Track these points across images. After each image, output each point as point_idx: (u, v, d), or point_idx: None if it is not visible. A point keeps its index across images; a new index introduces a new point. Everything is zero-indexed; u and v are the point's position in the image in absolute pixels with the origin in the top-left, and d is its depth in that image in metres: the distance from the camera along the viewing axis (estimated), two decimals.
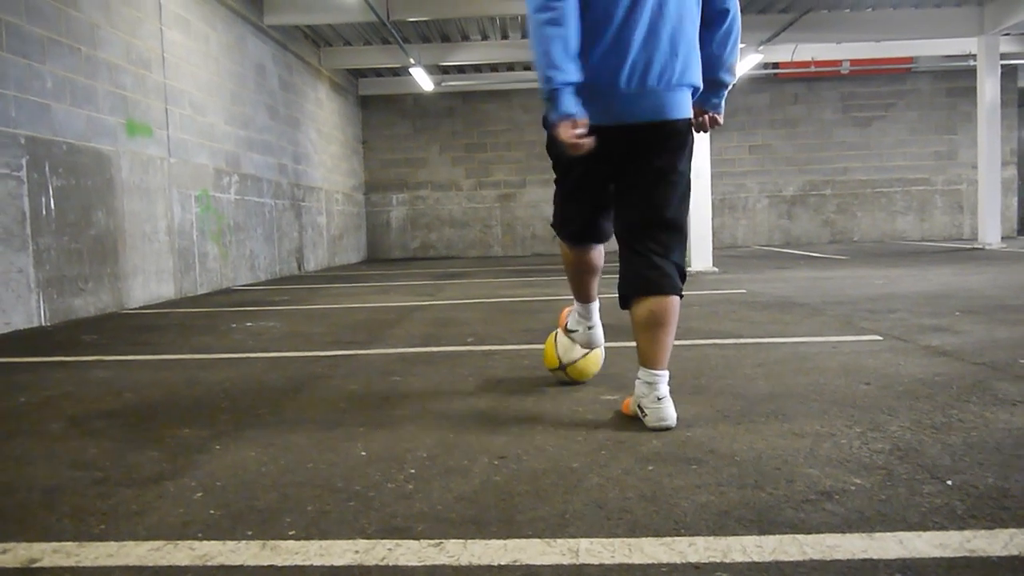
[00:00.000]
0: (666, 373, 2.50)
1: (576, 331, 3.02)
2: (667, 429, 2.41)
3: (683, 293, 2.55)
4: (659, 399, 2.44)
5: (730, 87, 2.68)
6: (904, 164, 16.49)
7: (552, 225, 2.91)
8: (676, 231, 2.54)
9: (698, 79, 2.52)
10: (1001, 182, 13.06)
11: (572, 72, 2.30)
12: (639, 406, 2.49)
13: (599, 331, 3.03)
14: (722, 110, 2.71)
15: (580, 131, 2.31)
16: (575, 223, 2.78)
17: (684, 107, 2.49)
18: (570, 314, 3.08)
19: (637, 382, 2.50)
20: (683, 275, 2.56)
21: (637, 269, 2.52)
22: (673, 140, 2.49)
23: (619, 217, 2.62)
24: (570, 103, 2.30)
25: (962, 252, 11.52)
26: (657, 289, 2.48)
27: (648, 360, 2.49)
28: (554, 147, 2.51)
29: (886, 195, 16.55)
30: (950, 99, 16.32)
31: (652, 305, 2.48)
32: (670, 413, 2.44)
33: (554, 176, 2.75)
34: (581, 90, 2.35)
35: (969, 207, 16.28)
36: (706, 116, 2.70)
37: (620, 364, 3.51)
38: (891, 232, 16.59)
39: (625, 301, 2.56)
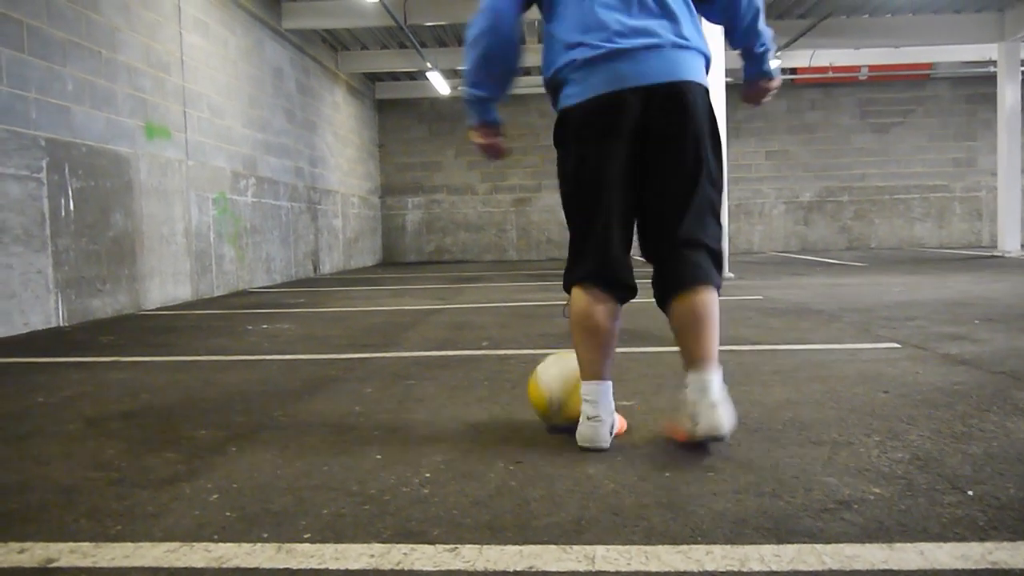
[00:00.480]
0: (718, 373, 2.25)
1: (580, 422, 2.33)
2: (719, 439, 2.20)
3: (720, 284, 2.35)
4: (713, 405, 2.18)
5: (770, 52, 2.45)
6: (922, 171, 16.39)
7: (565, 277, 2.41)
8: (711, 214, 2.31)
9: (702, 44, 2.30)
10: (1021, 189, 12.93)
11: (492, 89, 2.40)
12: (690, 415, 2.20)
13: (604, 428, 2.28)
14: (773, 74, 2.50)
15: (494, 137, 2.47)
16: (594, 253, 2.32)
17: (698, 70, 2.27)
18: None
19: (686, 391, 2.24)
20: (719, 263, 2.36)
21: (670, 264, 2.31)
22: (698, 114, 2.24)
23: (644, 205, 2.33)
24: (485, 112, 2.44)
25: (981, 260, 11.42)
26: (691, 281, 2.26)
27: (694, 361, 2.26)
28: (567, 156, 2.34)
29: (904, 202, 16.45)
30: (969, 105, 16.21)
31: (689, 300, 2.26)
32: (722, 421, 2.16)
33: (564, 207, 2.41)
34: (577, 65, 2.23)
35: (988, 214, 16.16)
36: (760, 84, 2.51)
37: (635, 370, 3.49)
38: (909, 239, 16.49)
39: (662, 301, 2.35)
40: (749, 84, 2.55)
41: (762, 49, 2.44)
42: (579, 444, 2.29)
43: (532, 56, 13.26)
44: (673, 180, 2.27)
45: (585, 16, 2.25)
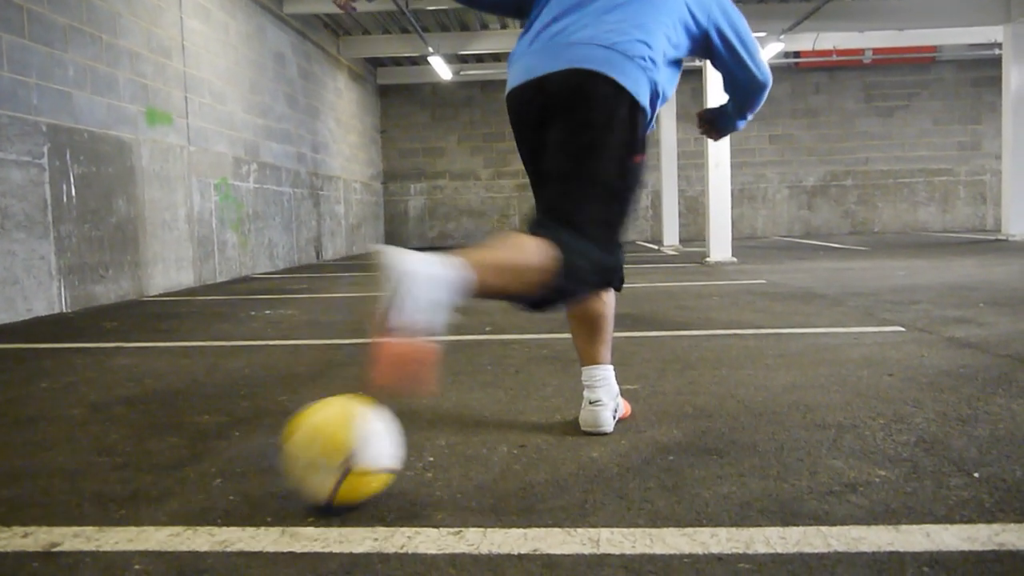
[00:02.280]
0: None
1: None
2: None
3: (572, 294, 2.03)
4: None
5: (738, 129, 2.53)
6: (927, 154, 16.32)
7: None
8: (602, 220, 2.05)
9: (632, 48, 2.06)
10: None
11: None
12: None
13: (607, 411, 2.28)
14: (724, 132, 2.56)
15: None
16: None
17: (606, 63, 2.04)
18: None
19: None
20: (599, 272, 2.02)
21: None
22: (591, 100, 2.04)
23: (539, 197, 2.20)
24: None
25: (985, 243, 11.39)
26: None
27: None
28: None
29: (908, 186, 16.40)
30: (975, 88, 16.13)
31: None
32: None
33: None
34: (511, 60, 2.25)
35: (993, 198, 16.10)
36: (708, 125, 2.57)
37: (640, 355, 3.49)
38: (913, 223, 16.44)
39: None
40: (711, 121, 2.56)
41: (741, 120, 2.47)
42: (582, 429, 2.29)
43: None
44: (553, 162, 2.12)
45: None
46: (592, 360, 2.30)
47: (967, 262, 8.16)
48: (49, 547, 1.58)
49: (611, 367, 2.32)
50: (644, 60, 2.06)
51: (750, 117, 2.47)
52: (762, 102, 2.40)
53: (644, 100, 2.07)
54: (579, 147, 2.05)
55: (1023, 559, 1.41)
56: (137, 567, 1.48)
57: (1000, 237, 12.30)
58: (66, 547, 1.58)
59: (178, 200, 7.52)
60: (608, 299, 2.29)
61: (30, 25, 5.47)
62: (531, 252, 1.85)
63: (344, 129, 13.68)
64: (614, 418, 2.30)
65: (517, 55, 2.24)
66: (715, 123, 2.56)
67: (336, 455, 1.66)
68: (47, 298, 5.56)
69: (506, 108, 2.29)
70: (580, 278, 1.94)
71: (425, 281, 1.72)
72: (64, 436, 2.43)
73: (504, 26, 13.07)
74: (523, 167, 2.33)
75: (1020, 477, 1.82)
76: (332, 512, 1.69)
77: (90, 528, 1.67)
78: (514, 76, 2.22)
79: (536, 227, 1.96)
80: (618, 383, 2.36)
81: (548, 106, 2.12)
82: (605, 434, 2.26)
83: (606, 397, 2.28)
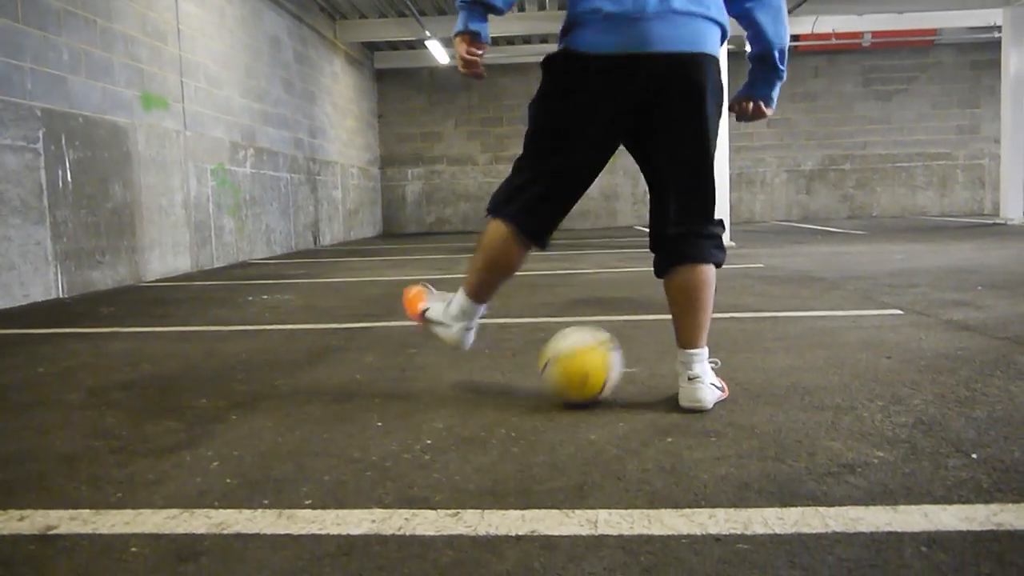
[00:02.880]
0: (702, 352, 2.31)
1: (447, 326, 2.50)
2: (697, 411, 2.26)
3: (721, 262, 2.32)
4: (689, 379, 2.28)
5: (782, 77, 2.38)
6: (925, 138, 16.28)
7: (494, 198, 2.42)
8: (710, 189, 2.28)
9: (725, 19, 2.22)
10: None
11: None
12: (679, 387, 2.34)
13: (472, 336, 2.55)
14: (773, 102, 2.41)
15: (476, 51, 2.28)
16: (529, 199, 2.33)
17: (714, 40, 2.19)
18: (433, 300, 2.60)
19: (677, 364, 2.36)
20: (720, 239, 2.32)
21: (671, 235, 2.28)
22: (707, 78, 2.17)
23: (650, 181, 2.34)
24: (477, 19, 2.28)
25: (983, 227, 11.38)
26: (690, 259, 2.27)
27: (680, 339, 2.33)
28: (543, 101, 2.32)
29: (906, 170, 16.36)
30: (974, 72, 16.07)
31: (684, 277, 2.28)
32: (702, 395, 2.26)
33: (525, 138, 2.38)
34: (588, 14, 2.16)
35: (991, 182, 16.07)
36: (751, 104, 2.42)
37: (639, 338, 3.49)
38: (911, 207, 16.42)
39: (661, 273, 2.35)
40: (747, 98, 2.43)
41: (778, 63, 2.34)
42: (448, 345, 2.53)
43: (533, 24, 13.13)
44: (677, 157, 2.24)
45: None
46: (479, 298, 2.47)
47: (965, 246, 8.15)
48: (45, 530, 1.58)
49: (484, 306, 2.52)
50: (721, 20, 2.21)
51: (784, 61, 2.34)
52: (787, 27, 2.33)
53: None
54: (701, 143, 2.22)
55: (1021, 539, 1.41)
56: (134, 549, 1.48)
57: (998, 221, 12.29)
58: (62, 530, 1.58)
59: (175, 185, 7.49)
60: (525, 258, 2.45)
61: (23, 9, 5.43)
62: (710, 292, 2.31)
63: (341, 114, 13.63)
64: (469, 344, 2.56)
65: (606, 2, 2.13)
66: (754, 93, 2.41)
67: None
68: (44, 284, 5.55)
69: (564, 68, 2.25)
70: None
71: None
72: (61, 420, 2.43)
73: None
74: (535, 117, 2.34)
75: (1018, 458, 1.82)
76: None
77: (87, 511, 1.67)
78: (611, 39, 2.14)
79: (694, 246, 2.27)
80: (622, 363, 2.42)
81: (659, 92, 2.17)
82: (458, 351, 2.53)
83: (703, 372, 2.31)
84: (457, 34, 2.29)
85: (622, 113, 2.23)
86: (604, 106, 2.21)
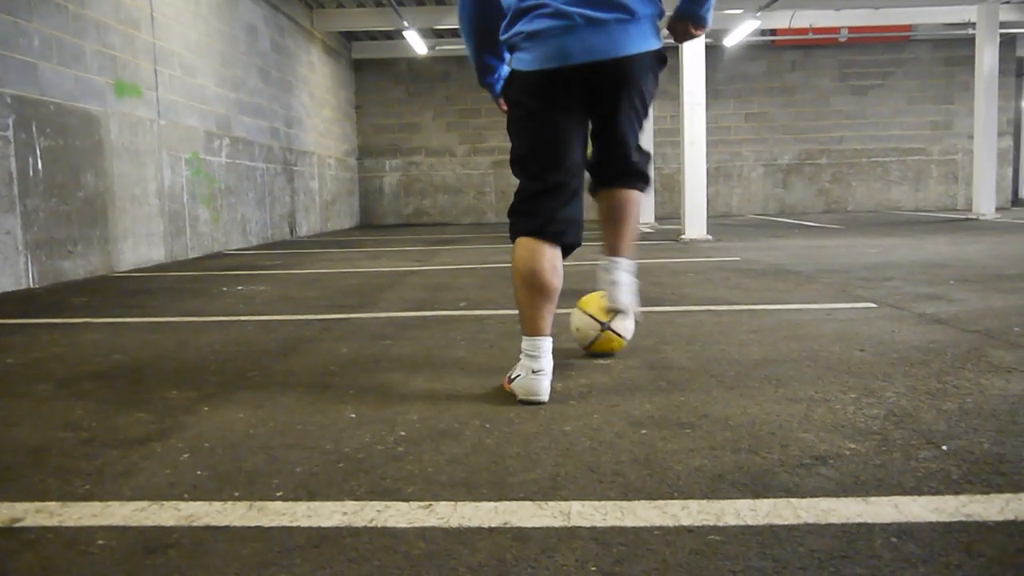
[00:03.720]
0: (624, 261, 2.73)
1: (517, 375, 2.38)
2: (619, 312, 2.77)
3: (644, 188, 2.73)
4: (614, 284, 2.76)
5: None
6: (900, 133, 16.42)
7: (513, 223, 2.47)
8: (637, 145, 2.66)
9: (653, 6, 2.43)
10: (997, 152, 12.98)
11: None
12: (606, 295, 2.81)
13: (547, 380, 2.35)
14: (705, 22, 2.56)
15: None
16: (546, 210, 2.42)
17: (648, 39, 2.42)
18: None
19: (601, 271, 2.79)
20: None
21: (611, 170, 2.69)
22: (639, 74, 2.44)
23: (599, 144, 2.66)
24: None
25: (956, 222, 11.51)
26: (626, 183, 2.69)
27: (613, 248, 2.74)
28: (516, 118, 2.53)
29: (882, 165, 16.50)
30: (948, 68, 16.22)
31: (619, 195, 2.70)
32: (624, 300, 2.75)
33: (515, 158, 2.56)
34: (524, 36, 2.38)
35: (964, 177, 16.24)
36: (684, 24, 2.56)
37: None
38: (886, 202, 16.56)
39: (594, 190, 2.74)
40: (677, 20, 2.57)
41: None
42: (519, 397, 2.35)
43: None
44: (620, 129, 2.56)
45: None
46: (536, 331, 2.40)
47: (939, 240, 8.23)
48: (10, 522, 1.56)
49: (551, 339, 2.43)
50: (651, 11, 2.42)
51: None
52: None
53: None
54: (640, 112, 2.55)
55: (989, 529, 1.42)
56: (101, 542, 1.46)
57: (971, 216, 12.42)
58: (28, 522, 1.55)
59: (148, 175, 7.40)
60: (561, 271, 2.47)
61: None
62: (637, 212, 2.77)
63: (318, 104, 13.53)
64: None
65: (531, 21, 2.36)
66: (687, 12, 2.54)
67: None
68: (14, 274, 5.46)
69: (520, 78, 2.46)
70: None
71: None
72: (29, 412, 2.39)
73: None
74: (518, 138, 2.55)
75: (987, 449, 1.83)
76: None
77: (53, 503, 1.64)
78: (541, 53, 2.36)
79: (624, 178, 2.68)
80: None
81: (599, 89, 2.43)
82: (542, 403, 2.32)
83: (548, 367, 2.39)
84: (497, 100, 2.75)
85: (574, 111, 2.48)
86: (559, 112, 2.44)
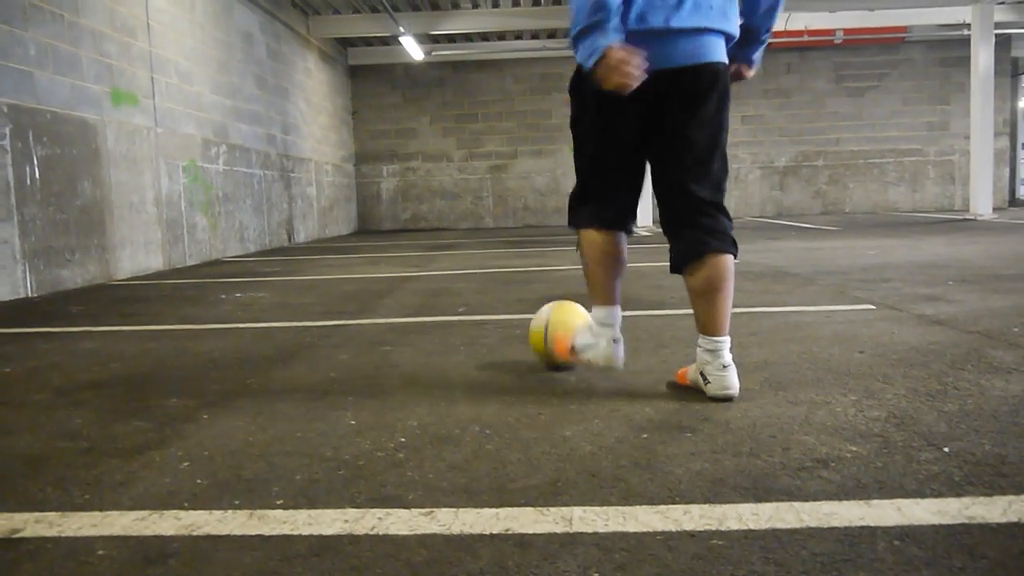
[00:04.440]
0: (728, 339, 2.40)
1: (594, 344, 2.52)
2: (729, 399, 2.33)
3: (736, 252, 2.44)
4: (724, 367, 2.35)
5: (765, 44, 2.59)
6: (896, 135, 16.44)
7: (571, 209, 2.57)
8: (720, 188, 2.45)
9: (733, 27, 2.39)
10: (993, 153, 13.00)
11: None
12: (702, 374, 2.38)
13: (621, 349, 2.53)
14: (755, 65, 2.62)
15: (637, 63, 2.14)
16: (606, 200, 2.49)
17: (720, 50, 2.36)
18: (580, 333, 2.59)
19: (699, 350, 2.40)
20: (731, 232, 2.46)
21: (688, 233, 2.41)
22: (714, 87, 2.34)
23: (661, 178, 2.44)
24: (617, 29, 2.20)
25: (954, 223, 11.52)
26: (710, 249, 2.38)
27: (707, 327, 2.40)
28: (582, 109, 2.42)
29: (878, 166, 16.52)
30: (943, 69, 16.24)
31: (707, 268, 2.37)
32: (734, 381, 2.35)
33: (574, 152, 2.55)
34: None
35: (961, 178, 16.26)
36: (736, 67, 2.58)
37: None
38: (883, 203, 16.58)
39: (677, 266, 2.47)
40: (732, 58, 2.54)
41: (765, 37, 2.57)
42: (602, 364, 2.50)
43: (507, 20, 13.10)
44: (690, 153, 2.38)
45: None
46: (608, 301, 2.51)
47: (936, 241, 8.24)
48: (10, 533, 1.55)
49: (620, 307, 2.54)
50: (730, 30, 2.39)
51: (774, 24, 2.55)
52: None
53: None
54: (712, 139, 2.40)
55: (992, 531, 1.42)
56: (101, 552, 1.45)
57: (968, 217, 12.44)
58: (27, 533, 1.55)
59: (146, 182, 7.40)
60: (624, 242, 2.54)
61: None
62: (731, 279, 2.43)
63: (315, 110, 13.53)
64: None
65: (656, 16, 2.26)
66: (740, 53, 2.55)
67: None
68: (11, 282, 5.45)
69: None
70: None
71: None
72: (27, 421, 2.38)
73: (475, 6, 12.96)
74: (580, 133, 2.48)
75: (989, 451, 1.83)
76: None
77: (52, 514, 1.64)
78: (658, 53, 2.25)
79: (711, 237, 2.39)
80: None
81: (670, 98, 2.33)
82: (619, 369, 2.52)
83: (620, 334, 2.50)
84: (608, 49, 2.15)
85: (640, 115, 2.36)
86: (625, 114, 2.36)
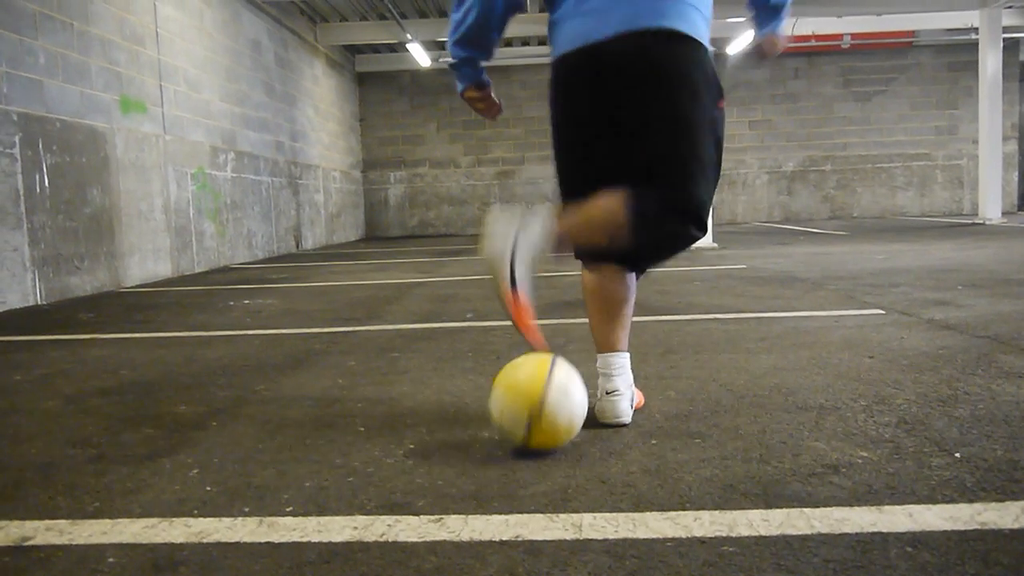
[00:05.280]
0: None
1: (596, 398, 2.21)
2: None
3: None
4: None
5: (785, 12, 2.30)
6: (905, 139, 16.40)
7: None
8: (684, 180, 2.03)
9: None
10: (1002, 157, 12.97)
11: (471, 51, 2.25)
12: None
13: (624, 401, 2.18)
14: (780, 31, 2.31)
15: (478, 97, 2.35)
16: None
17: (682, 18, 1.99)
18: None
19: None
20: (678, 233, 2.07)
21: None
22: (668, 61, 1.97)
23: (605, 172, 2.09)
24: (476, 73, 2.32)
25: (963, 227, 11.47)
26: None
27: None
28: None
29: (886, 170, 16.48)
30: (951, 73, 16.21)
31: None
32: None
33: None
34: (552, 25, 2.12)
35: (970, 182, 16.21)
36: (764, 40, 2.32)
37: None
38: (891, 208, 16.53)
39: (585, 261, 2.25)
40: (759, 41, 2.36)
41: (781, 6, 2.28)
42: (599, 419, 2.17)
43: (514, 26, 13.11)
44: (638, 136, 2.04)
45: None
46: (610, 347, 2.20)
47: (945, 245, 8.21)
48: (20, 541, 1.55)
49: (628, 355, 2.23)
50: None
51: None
52: None
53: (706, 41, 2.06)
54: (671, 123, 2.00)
55: (1005, 537, 1.41)
56: (111, 560, 1.45)
57: (977, 221, 12.39)
58: (38, 541, 1.55)
59: (154, 190, 7.43)
60: (630, 282, 2.22)
61: None
62: (603, 203, 1.99)
63: (322, 117, 13.57)
64: (631, 408, 2.21)
65: (565, 14, 2.08)
66: (764, 26, 2.32)
67: (523, 407, 1.89)
68: (21, 290, 5.48)
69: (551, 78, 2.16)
70: (653, 216, 1.99)
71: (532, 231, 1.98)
72: (37, 429, 2.39)
73: None
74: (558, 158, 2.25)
75: (1000, 456, 1.82)
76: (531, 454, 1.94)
77: (63, 521, 1.64)
78: (563, 40, 2.08)
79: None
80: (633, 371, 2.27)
81: (606, 76, 2.00)
82: (623, 425, 2.16)
83: (623, 386, 2.17)
84: (465, 90, 2.36)
85: (591, 101, 2.09)
86: (574, 104, 2.12)
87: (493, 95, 2.42)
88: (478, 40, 2.22)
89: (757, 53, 2.41)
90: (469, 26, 2.19)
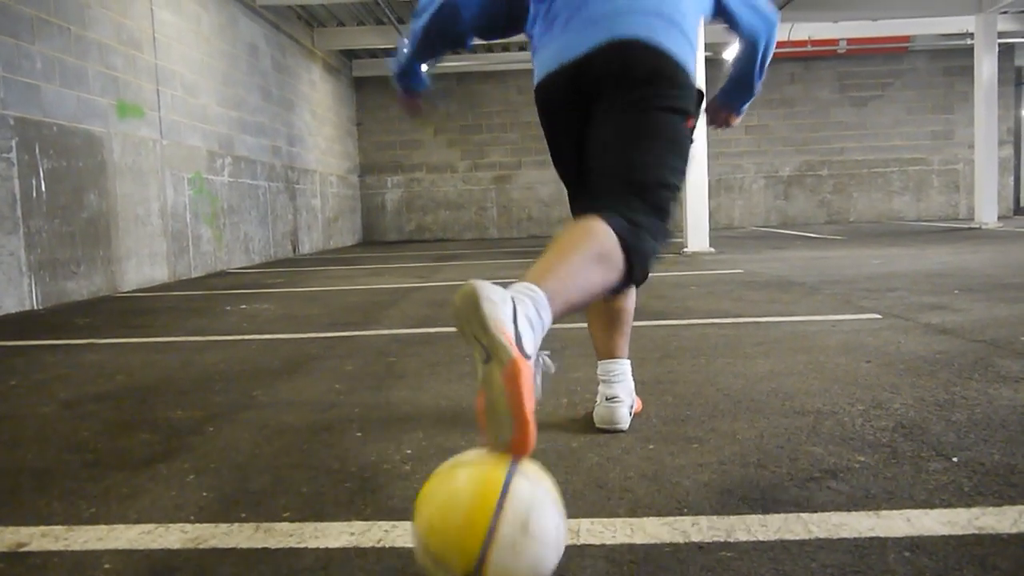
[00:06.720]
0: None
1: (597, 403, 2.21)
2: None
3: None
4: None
5: (752, 99, 2.36)
6: (901, 144, 16.44)
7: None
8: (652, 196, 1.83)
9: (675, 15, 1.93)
10: (998, 161, 13.00)
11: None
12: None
13: (623, 408, 2.17)
14: (741, 113, 2.40)
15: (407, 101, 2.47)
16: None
17: (652, 29, 1.89)
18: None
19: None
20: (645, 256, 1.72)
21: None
22: (641, 68, 1.87)
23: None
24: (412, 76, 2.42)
25: (959, 232, 11.49)
26: None
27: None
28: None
29: (883, 175, 16.52)
30: (947, 78, 16.26)
31: None
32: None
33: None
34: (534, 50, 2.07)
35: (966, 187, 16.25)
36: (725, 112, 2.38)
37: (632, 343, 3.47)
38: (887, 212, 16.57)
39: None
40: (723, 105, 2.39)
41: (753, 89, 2.32)
42: (597, 425, 2.17)
43: None
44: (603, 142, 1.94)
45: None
46: (610, 354, 2.20)
47: (941, 250, 8.22)
48: (16, 547, 1.54)
49: (628, 362, 2.23)
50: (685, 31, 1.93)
51: (764, 75, 2.29)
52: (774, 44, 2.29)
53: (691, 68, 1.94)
54: (644, 134, 1.87)
55: (1003, 542, 1.41)
56: (107, 566, 1.45)
57: (973, 225, 12.42)
58: (34, 547, 1.54)
59: (151, 194, 7.42)
60: (629, 291, 2.11)
61: None
62: (591, 242, 1.64)
63: (319, 122, 13.58)
64: (630, 414, 2.20)
65: (543, 41, 2.02)
66: (729, 101, 2.35)
67: (458, 561, 1.18)
68: (17, 295, 5.47)
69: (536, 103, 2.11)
70: (648, 252, 1.72)
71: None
72: (33, 434, 2.38)
73: None
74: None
75: (998, 461, 1.82)
76: None
77: (59, 527, 1.63)
78: (544, 63, 2.01)
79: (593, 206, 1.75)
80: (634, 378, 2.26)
81: (587, 90, 1.93)
82: (621, 431, 2.16)
83: (623, 393, 2.17)
84: (394, 78, 2.48)
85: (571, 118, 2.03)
86: (557, 122, 2.09)
87: (419, 100, 2.51)
88: (428, 45, 2.31)
89: (710, 118, 2.43)
90: (424, 31, 2.25)
